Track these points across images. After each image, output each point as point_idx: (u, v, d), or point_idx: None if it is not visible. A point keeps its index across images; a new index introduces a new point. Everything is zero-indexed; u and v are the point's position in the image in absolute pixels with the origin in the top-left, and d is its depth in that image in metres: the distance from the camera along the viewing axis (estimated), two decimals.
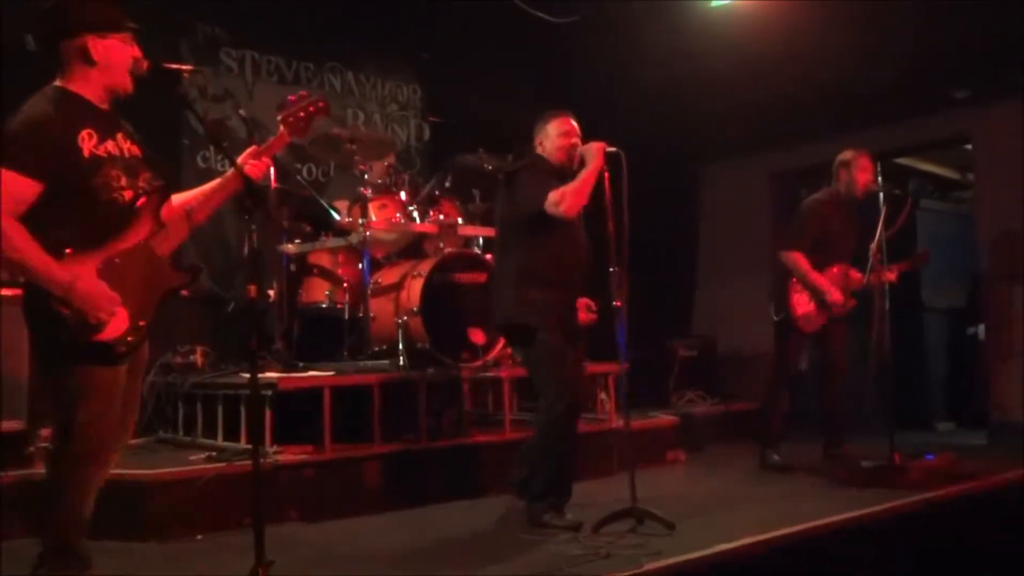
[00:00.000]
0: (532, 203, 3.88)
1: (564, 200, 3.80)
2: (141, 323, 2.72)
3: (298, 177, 6.05)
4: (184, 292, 5.71)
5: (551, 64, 7.23)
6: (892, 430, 4.90)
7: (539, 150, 4.12)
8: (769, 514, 3.93)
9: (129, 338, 2.69)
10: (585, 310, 4.11)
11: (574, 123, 4.09)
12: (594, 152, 3.89)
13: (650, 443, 5.64)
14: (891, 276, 5.21)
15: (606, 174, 3.89)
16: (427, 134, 7.26)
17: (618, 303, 3.87)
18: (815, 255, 5.20)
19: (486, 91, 6.99)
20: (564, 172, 3.99)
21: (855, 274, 5.25)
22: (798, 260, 5.16)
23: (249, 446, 4.25)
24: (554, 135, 4.06)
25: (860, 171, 5.19)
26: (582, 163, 3.92)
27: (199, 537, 3.83)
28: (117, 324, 2.65)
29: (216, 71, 6.18)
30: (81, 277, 2.57)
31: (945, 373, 7.64)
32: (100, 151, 2.71)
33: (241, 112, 5.71)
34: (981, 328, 6.78)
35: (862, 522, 3.85)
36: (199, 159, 6.06)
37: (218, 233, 5.98)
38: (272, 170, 5.21)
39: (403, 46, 7.08)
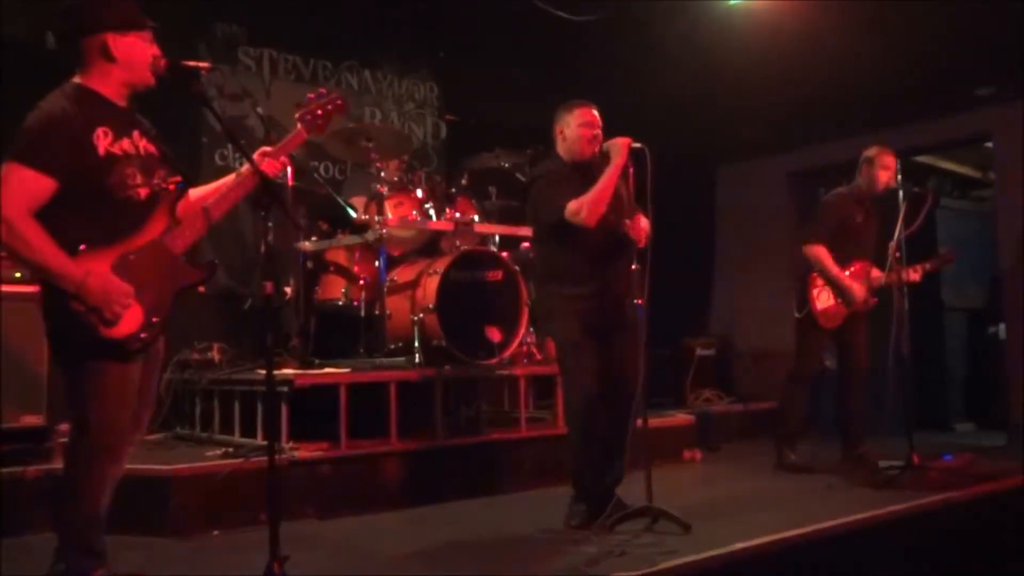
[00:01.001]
0: (551, 215, 3.87)
1: (583, 210, 3.75)
2: (155, 319, 2.74)
3: (315, 175, 6.06)
4: (201, 289, 5.78)
5: (569, 63, 7.21)
6: (911, 430, 4.87)
7: (559, 140, 4.03)
8: (785, 514, 3.91)
9: (143, 334, 2.70)
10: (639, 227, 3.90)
11: (596, 113, 3.99)
12: (619, 148, 3.81)
13: (667, 442, 5.61)
14: (915, 276, 5.18)
15: (631, 170, 3.84)
16: (444, 132, 7.26)
17: (639, 301, 3.82)
18: (836, 251, 5.17)
19: (503, 89, 6.98)
20: (584, 167, 3.93)
21: (876, 272, 5.22)
22: (820, 253, 5.13)
23: (265, 443, 4.27)
24: (575, 125, 3.96)
25: (882, 168, 5.16)
26: (606, 158, 3.85)
27: (216, 533, 3.85)
28: (131, 320, 2.67)
29: (234, 70, 6.21)
30: (94, 273, 2.59)
31: (965, 373, 7.58)
32: (115, 149, 2.72)
33: (259, 110, 5.76)
34: (1002, 327, 6.72)
35: (879, 522, 3.82)
36: (217, 157, 6.09)
37: (235, 230, 6.00)
38: (289, 168, 5.25)
39: (420, 44, 7.08)
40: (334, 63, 6.71)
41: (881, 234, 5.29)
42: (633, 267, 3.83)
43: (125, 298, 2.63)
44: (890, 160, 5.18)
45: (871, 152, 5.24)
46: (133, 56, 2.78)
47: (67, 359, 2.74)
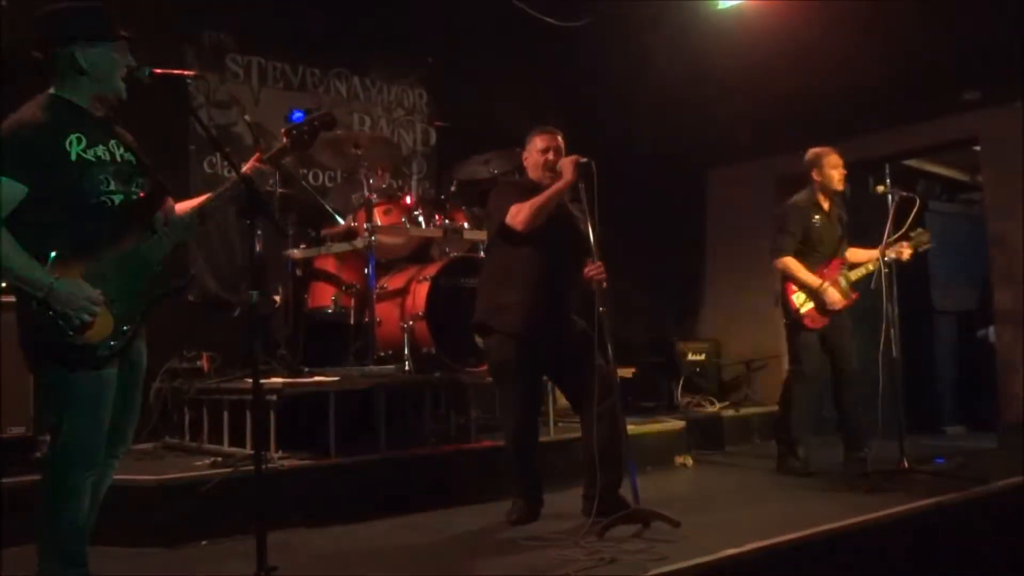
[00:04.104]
0: (497, 218, 4.04)
1: (520, 214, 3.92)
2: (126, 327, 2.73)
3: (303, 182, 6.04)
4: (190, 297, 5.76)
5: (558, 68, 7.22)
6: (901, 434, 4.87)
7: (525, 163, 4.24)
8: (775, 518, 3.91)
9: (112, 342, 2.69)
10: (597, 272, 3.96)
11: (558, 138, 4.17)
12: (566, 166, 3.96)
13: (658, 447, 5.62)
14: (907, 254, 5.21)
15: (582, 185, 3.92)
16: (433, 138, 7.25)
17: (603, 309, 3.86)
18: (806, 258, 5.21)
19: (492, 95, 6.97)
20: (542, 187, 4.06)
21: (853, 263, 5.29)
22: (789, 264, 5.17)
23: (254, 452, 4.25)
24: (534, 150, 4.17)
25: (831, 167, 5.24)
26: (560, 177, 4.00)
27: (204, 543, 3.82)
28: (101, 327, 2.66)
29: (222, 77, 6.19)
30: (62, 279, 2.59)
31: (955, 376, 7.59)
32: (88, 155, 2.73)
33: (247, 118, 5.74)
34: (991, 330, 6.74)
35: (870, 527, 3.82)
36: (205, 165, 6.06)
37: (225, 238, 5.97)
38: (277, 175, 5.24)
39: (409, 51, 7.07)
40: (323, 70, 6.69)
41: (846, 228, 5.37)
42: (601, 309, 3.86)
43: (93, 305, 2.62)
44: (836, 159, 5.27)
45: (817, 153, 5.31)
46: (102, 66, 2.79)
47: (38, 367, 2.73)
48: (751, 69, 6.72)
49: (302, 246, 5.40)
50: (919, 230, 5.36)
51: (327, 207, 5.43)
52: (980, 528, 4.24)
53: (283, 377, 4.77)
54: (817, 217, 5.27)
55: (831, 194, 5.32)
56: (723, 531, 3.67)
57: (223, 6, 6.14)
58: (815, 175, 5.31)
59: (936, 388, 7.42)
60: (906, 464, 4.78)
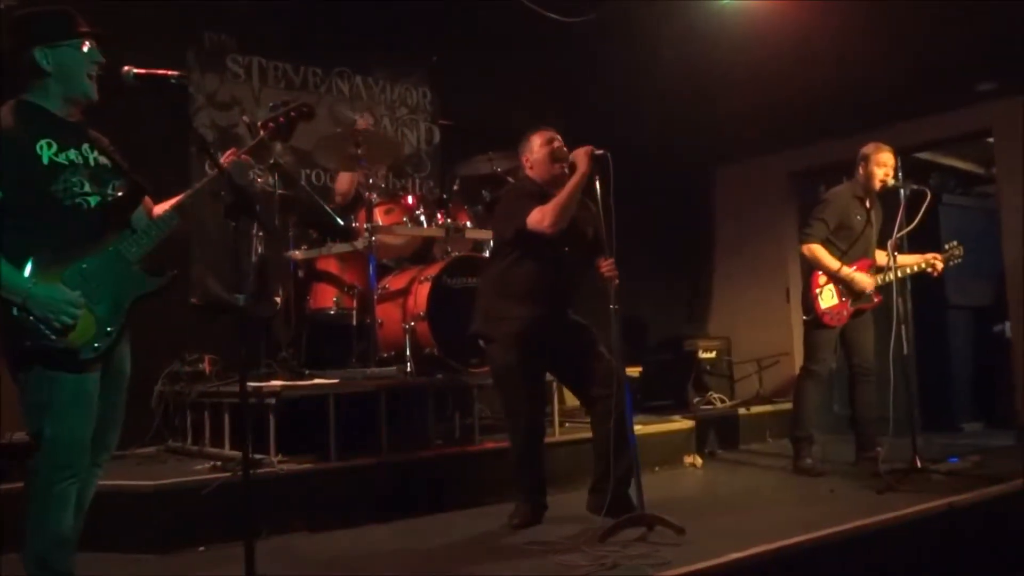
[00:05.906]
0: (513, 223, 3.95)
1: (547, 216, 3.83)
2: (109, 328, 2.70)
3: (303, 183, 6.00)
4: (193, 301, 5.71)
5: (563, 65, 7.15)
6: (914, 432, 4.78)
7: (527, 167, 4.15)
8: (783, 520, 3.84)
9: (96, 343, 2.67)
10: (609, 268, 3.89)
11: (555, 133, 4.12)
12: (581, 158, 3.87)
13: (667, 447, 5.54)
14: (938, 267, 5.15)
15: (597, 177, 3.84)
16: (437, 137, 7.19)
17: (615, 307, 3.78)
18: (837, 249, 5.11)
19: (497, 93, 6.92)
20: (552, 185, 4.00)
21: (879, 270, 5.15)
22: (816, 252, 5.07)
23: (257, 455, 4.21)
24: (538, 146, 4.09)
25: (877, 166, 5.09)
26: (573, 170, 3.90)
27: (201, 549, 3.77)
28: (83, 329, 2.63)
29: (223, 78, 6.14)
30: (40, 283, 2.57)
31: (971, 372, 7.47)
32: (60, 158, 2.71)
33: (245, 119, 5.70)
34: (1007, 325, 6.62)
35: (879, 529, 3.73)
36: (206, 166, 6.02)
37: (227, 241, 5.92)
38: (276, 176, 5.20)
39: (412, 49, 7.01)
40: (325, 70, 6.64)
41: (882, 234, 5.22)
42: (612, 306, 3.79)
43: (73, 308, 2.60)
44: (886, 157, 5.11)
45: (867, 149, 5.18)
46: (66, 67, 2.75)
47: (19, 371, 2.69)
48: (759, 64, 6.64)
49: (303, 247, 5.35)
50: (954, 243, 5.28)
51: (327, 208, 5.38)
52: (995, 529, 4.13)
53: (284, 379, 4.72)
54: (857, 213, 5.15)
55: (873, 193, 5.17)
56: (729, 533, 3.60)
57: (223, 7, 6.10)
58: (861, 169, 5.17)
59: (952, 384, 7.30)
60: (919, 463, 4.68)
